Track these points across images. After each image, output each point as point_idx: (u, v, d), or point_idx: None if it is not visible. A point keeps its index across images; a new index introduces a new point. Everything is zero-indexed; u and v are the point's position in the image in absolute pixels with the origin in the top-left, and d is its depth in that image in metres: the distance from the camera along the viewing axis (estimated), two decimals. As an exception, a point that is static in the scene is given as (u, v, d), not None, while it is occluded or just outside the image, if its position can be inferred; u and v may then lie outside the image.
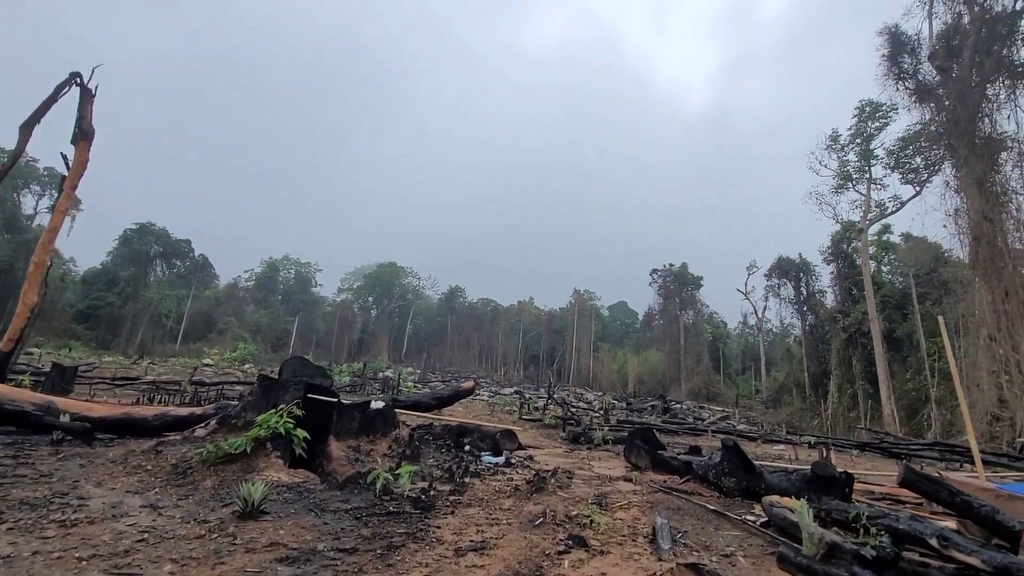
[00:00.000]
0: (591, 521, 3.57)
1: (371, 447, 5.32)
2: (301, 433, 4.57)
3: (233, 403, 6.03)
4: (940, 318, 5.98)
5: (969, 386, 17.91)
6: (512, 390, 39.49)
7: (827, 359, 40.24)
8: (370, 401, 6.04)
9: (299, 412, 4.60)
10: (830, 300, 43.92)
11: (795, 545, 3.15)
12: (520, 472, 5.44)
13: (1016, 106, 19.39)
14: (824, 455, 6.19)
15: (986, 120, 19.48)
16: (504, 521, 3.64)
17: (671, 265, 65.68)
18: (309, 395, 5.24)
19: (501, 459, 6.21)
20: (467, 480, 4.65)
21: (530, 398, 26.12)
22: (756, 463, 4.82)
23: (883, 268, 41.30)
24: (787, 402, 45.64)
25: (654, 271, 66.85)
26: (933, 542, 3.16)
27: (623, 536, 3.45)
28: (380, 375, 33.78)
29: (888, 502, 5.45)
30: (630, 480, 5.29)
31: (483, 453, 6.66)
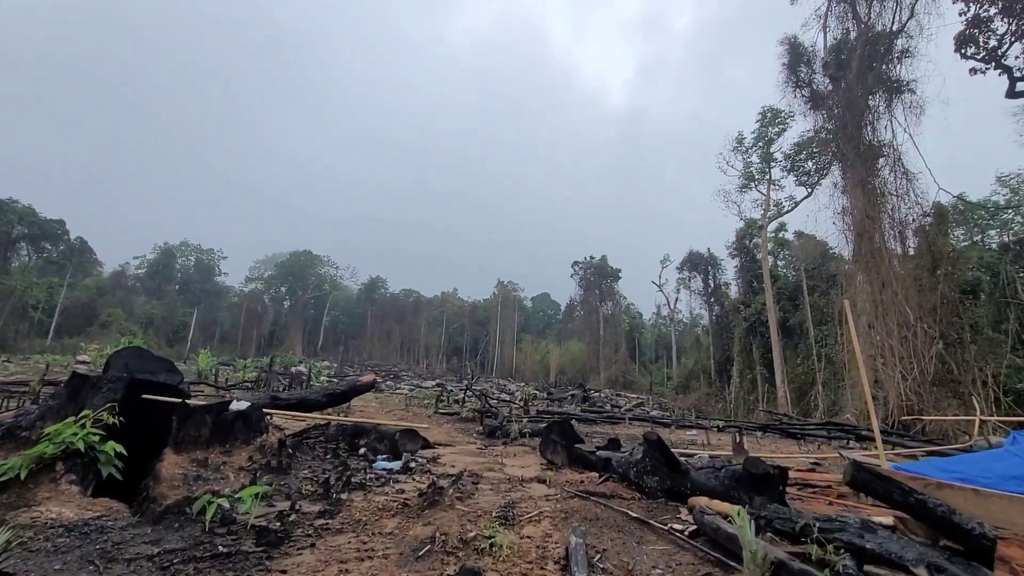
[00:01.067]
0: (492, 544, 2.91)
1: (225, 460, 4.29)
2: (112, 448, 3.49)
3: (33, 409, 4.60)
4: (846, 302, 6.04)
5: (850, 369, 19.66)
6: (434, 383, 38.44)
7: (731, 347, 43.20)
8: (229, 402, 5.02)
9: (114, 420, 3.51)
10: (734, 292, 47.16)
11: (732, 564, 2.70)
12: (417, 479, 4.66)
13: (892, 117, 21.47)
14: (738, 440, 6.03)
15: (868, 128, 21.37)
16: (380, 552, 2.88)
17: (592, 258, 67.51)
18: (144, 396, 4.12)
19: (398, 464, 5.34)
20: (345, 496, 3.82)
21: (451, 391, 25.35)
22: (681, 458, 4.34)
23: (779, 262, 45.04)
24: (695, 388, 48.47)
25: (575, 263, 68.38)
26: (921, 572, 2.56)
27: (529, 563, 2.82)
28: (292, 369, 31.23)
29: (799, 487, 5.34)
30: (544, 482, 4.68)
31: (379, 457, 5.82)
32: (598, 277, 66.27)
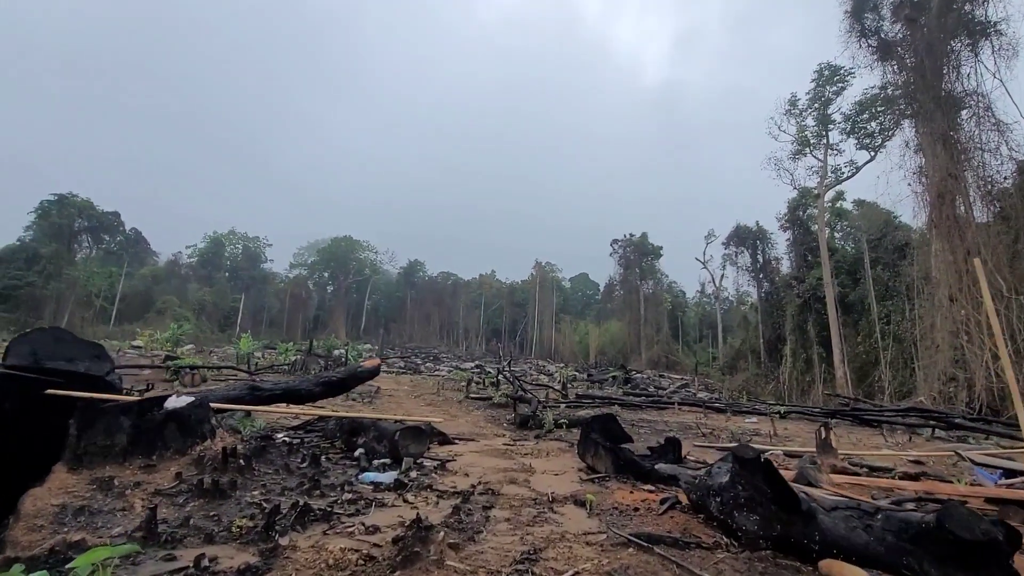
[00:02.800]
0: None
1: (142, 479, 3.32)
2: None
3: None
4: (977, 261, 4.81)
5: (928, 347, 17.74)
6: (473, 364, 38.25)
7: (782, 325, 40.82)
8: (163, 398, 4.03)
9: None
10: (786, 267, 44.43)
11: None
12: (413, 498, 3.60)
13: (979, 62, 18.87)
14: (824, 436, 4.76)
15: (951, 75, 18.89)
16: None
17: (631, 235, 65.30)
18: (49, 392, 3.49)
19: (390, 476, 4.17)
20: (289, 539, 2.59)
21: (488, 373, 24.85)
22: (801, 493, 2.66)
23: (836, 234, 41.98)
24: (743, 368, 46.37)
25: (615, 241, 66.35)
26: None
27: None
28: (334, 352, 31.51)
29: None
30: (583, 504, 3.28)
31: (373, 462, 4.71)
32: (638, 255, 64.12)
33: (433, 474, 4.56)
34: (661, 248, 64.64)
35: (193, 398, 4.29)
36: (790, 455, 5.76)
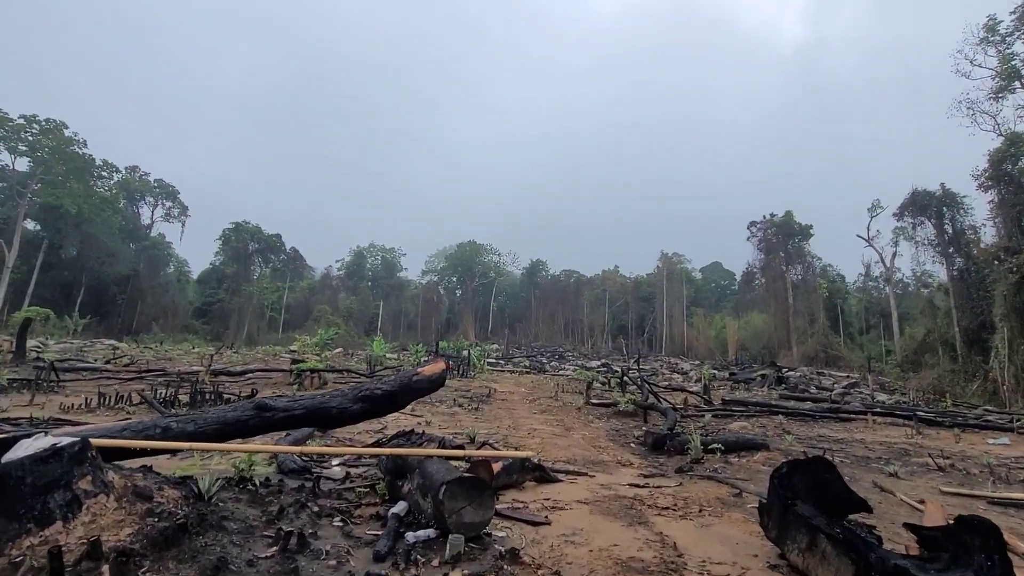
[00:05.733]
0: None
1: None
2: None
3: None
4: None
5: None
6: (599, 363, 36.74)
7: (987, 309, 32.59)
8: (9, 440, 2.67)
9: None
10: (989, 236, 35.53)
11: None
12: None
13: None
14: None
15: None
16: None
17: (773, 215, 57.85)
18: None
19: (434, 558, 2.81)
20: None
21: (615, 372, 23.20)
22: None
23: (1065, 188, 32.40)
24: (930, 363, 38.20)
25: (752, 224, 59.37)
26: None
27: None
28: (462, 353, 32.34)
29: None
30: None
31: (409, 536, 3.08)
32: (782, 237, 56.55)
33: (501, 562, 2.85)
34: (811, 227, 56.25)
35: (70, 439, 2.67)
36: None
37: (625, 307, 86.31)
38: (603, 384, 15.65)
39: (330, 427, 5.05)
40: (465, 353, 29.38)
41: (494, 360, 36.13)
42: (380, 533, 3.16)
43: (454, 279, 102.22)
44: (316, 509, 3.51)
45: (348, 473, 4.63)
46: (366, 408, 4.60)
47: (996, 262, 31.61)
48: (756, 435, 7.37)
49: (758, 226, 59.04)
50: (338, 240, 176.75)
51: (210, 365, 13.61)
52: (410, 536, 3.09)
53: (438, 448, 4.32)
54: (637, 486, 4.71)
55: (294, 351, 31.76)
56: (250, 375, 13.24)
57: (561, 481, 4.74)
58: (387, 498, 3.82)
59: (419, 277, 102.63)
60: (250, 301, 60.06)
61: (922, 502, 4.02)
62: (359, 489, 4.06)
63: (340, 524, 3.33)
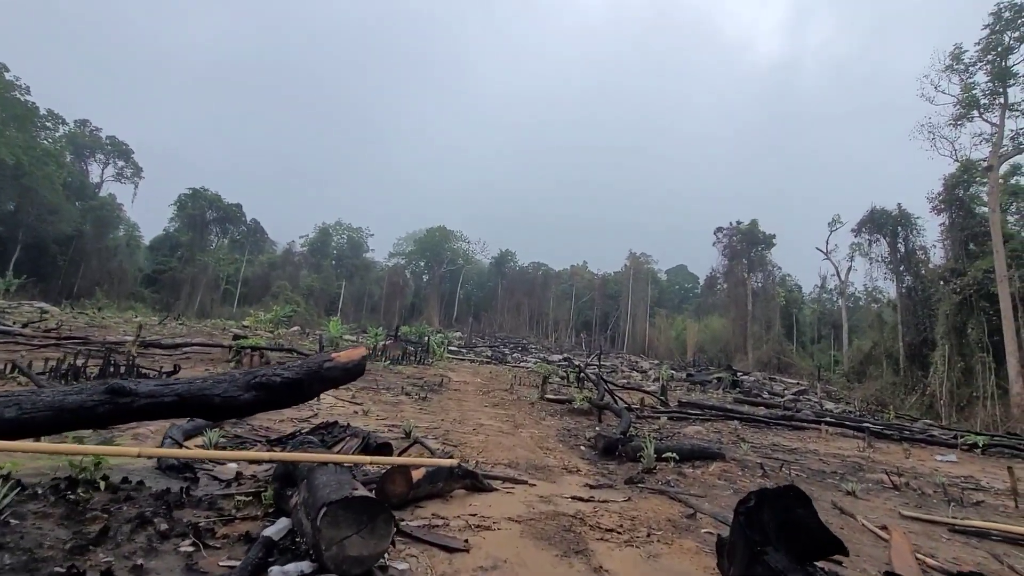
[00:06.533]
0: None
1: None
2: None
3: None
4: None
5: None
6: (561, 357, 36.68)
7: (930, 326, 34.26)
8: None
9: None
10: (938, 257, 37.27)
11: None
12: None
13: None
14: None
15: None
16: None
17: (739, 223, 59.13)
18: None
19: None
20: None
21: (576, 367, 23.07)
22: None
23: (1009, 217, 34.18)
24: (874, 375, 40.03)
25: (719, 229, 60.59)
26: None
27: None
28: (424, 339, 31.54)
29: None
30: None
31: (274, 570, 2.31)
32: (747, 244, 57.91)
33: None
34: (774, 237, 57.82)
35: None
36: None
37: (591, 303, 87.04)
38: (562, 379, 15.39)
39: (215, 419, 4.11)
40: (426, 339, 28.61)
41: (456, 348, 35.50)
42: (236, 565, 2.39)
43: (422, 263, 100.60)
44: (164, 528, 2.71)
45: (240, 473, 3.93)
46: (260, 397, 3.55)
47: (942, 282, 33.21)
48: (712, 442, 7.15)
49: (724, 232, 60.28)
50: (303, 216, 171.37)
51: (138, 335, 12.50)
52: (275, 572, 2.31)
53: (360, 444, 3.78)
54: (581, 499, 4.26)
55: (247, 327, 30.18)
56: (185, 349, 12.26)
57: (496, 490, 4.24)
58: (272, 510, 3.11)
59: (386, 259, 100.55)
60: (205, 271, 57.18)
61: (884, 528, 3.80)
62: (241, 497, 3.29)
63: (190, 549, 2.52)
